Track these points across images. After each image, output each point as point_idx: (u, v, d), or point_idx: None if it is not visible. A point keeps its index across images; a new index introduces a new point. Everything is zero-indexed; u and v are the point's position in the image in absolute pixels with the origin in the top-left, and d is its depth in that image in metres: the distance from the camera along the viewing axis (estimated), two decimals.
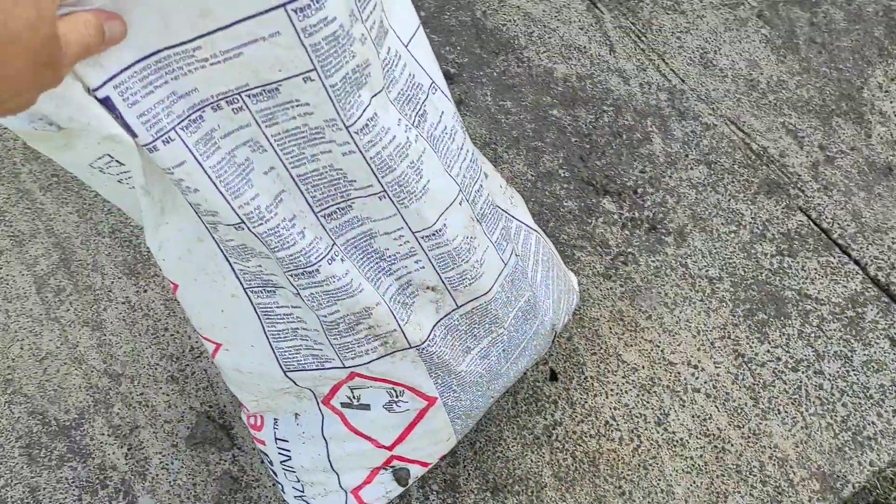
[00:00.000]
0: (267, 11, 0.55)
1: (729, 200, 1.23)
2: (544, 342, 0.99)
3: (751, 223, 1.21)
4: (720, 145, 1.29)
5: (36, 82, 0.46)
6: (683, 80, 1.36)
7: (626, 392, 1.07)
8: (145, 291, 1.17)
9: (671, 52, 1.40)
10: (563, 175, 1.27)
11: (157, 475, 1.03)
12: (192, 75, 0.59)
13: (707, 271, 1.17)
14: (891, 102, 1.34)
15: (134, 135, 0.59)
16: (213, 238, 0.73)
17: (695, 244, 1.20)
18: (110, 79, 0.56)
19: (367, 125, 0.65)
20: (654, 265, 1.18)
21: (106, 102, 0.57)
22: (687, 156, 1.28)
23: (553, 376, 1.09)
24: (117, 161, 0.67)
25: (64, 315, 1.15)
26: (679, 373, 1.09)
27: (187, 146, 0.61)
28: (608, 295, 1.15)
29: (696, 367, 1.09)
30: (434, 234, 0.75)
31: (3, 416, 1.07)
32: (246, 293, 0.78)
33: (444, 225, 0.75)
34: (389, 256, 0.77)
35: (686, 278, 1.17)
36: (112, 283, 1.18)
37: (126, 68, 0.57)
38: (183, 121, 0.61)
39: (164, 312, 1.15)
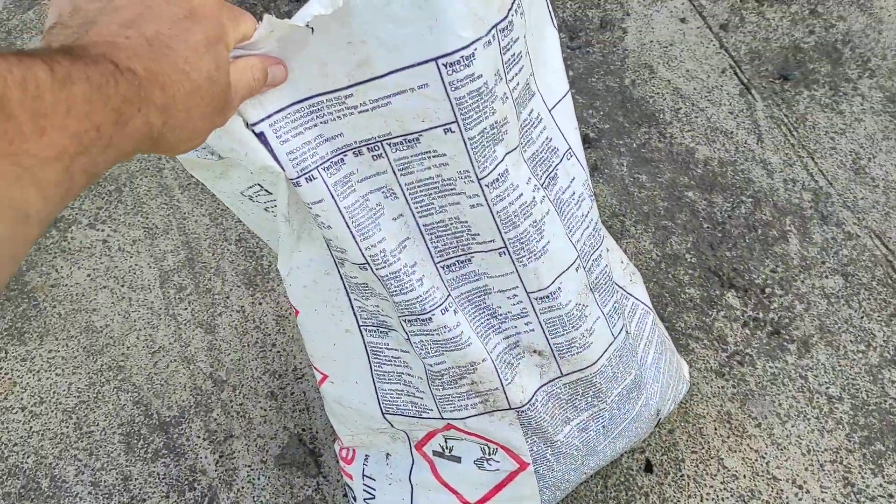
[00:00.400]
0: (420, 64, 0.58)
1: (862, 318, 1.17)
2: (646, 426, 0.96)
3: (882, 346, 1.15)
4: (861, 258, 1.23)
5: (210, 126, 0.49)
6: (831, 183, 1.31)
7: (722, 499, 1.03)
8: (260, 304, 1.19)
9: (822, 151, 1.35)
10: (689, 260, 1.24)
11: (242, 488, 1.04)
12: (339, 121, 0.62)
13: (827, 388, 1.11)
14: None
15: (282, 168, 0.62)
16: (339, 273, 0.74)
17: (818, 357, 1.14)
18: (267, 117, 0.60)
19: (497, 179, 0.66)
20: (772, 371, 1.13)
21: (261, 137, 0.61)
22: (823, 262, 1.23)
23: (648, 467, 1.06)
24: (266, 190, 0.70)
25: (181, 313, 1.19)
26: (782, 490, 1.03)
27: (327, 186, 0.64)
28: (718, 393, 1.11)
29: (800, 487, 1.04)
30: (548, 297, 0.75)
31: (110, 400, 1.11)
32: (360, 330, 0.80)
33: (559, 288, 0.75)
34: (501, 315, 0.77)
35: (804, 392, 1.11)
36: (231, 290, 1.21)
37: (281, 109, 0.60)
38: (325, 162, 0.64)
39: (275, 328, 1.17)
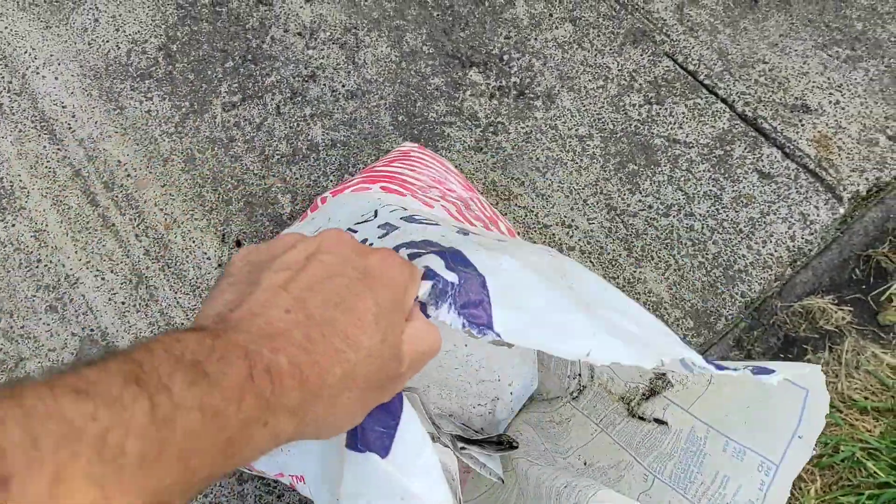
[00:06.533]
0: None
1: (595, 55, 1.21)
2: None
3: (618, 76, 1.19)
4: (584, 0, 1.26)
5: (366, 407, 0.43)
6: None
7: None
8: (13, 226, 1.14)
9: None
10: (427, 51, 1.24)
11: None
12: None
13: (577, 130, 1.16)
14: None
15: None
16: None
17: (563, 105, 1.18)
18: None
19: None
20: (525, 131, 1.17)
21: None
22: (551, 15, 1.25)
23: None
24: None
25: None
26: (554, 234, 1.09)
27: None
28: (480, 167, 1.14)
29: (569, 226, 1.09)
30: None
31: None
32: None
33: None
34: None
35: (556, 140, 1.16)
36: None
37: None
38: None
39: (35, 244, 1.13)
